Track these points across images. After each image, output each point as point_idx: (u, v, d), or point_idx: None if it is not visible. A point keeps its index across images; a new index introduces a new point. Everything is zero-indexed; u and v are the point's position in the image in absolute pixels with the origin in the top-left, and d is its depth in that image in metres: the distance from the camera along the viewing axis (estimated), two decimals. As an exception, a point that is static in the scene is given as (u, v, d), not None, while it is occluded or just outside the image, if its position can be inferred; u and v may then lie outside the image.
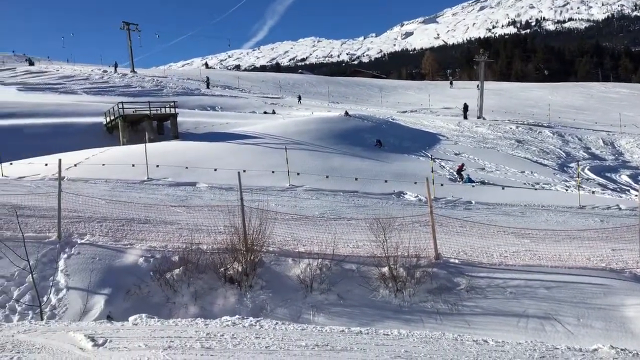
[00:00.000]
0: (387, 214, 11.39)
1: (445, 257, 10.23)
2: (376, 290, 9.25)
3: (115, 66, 64.90)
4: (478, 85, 48.31)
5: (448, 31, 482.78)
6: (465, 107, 45.93)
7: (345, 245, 10.68)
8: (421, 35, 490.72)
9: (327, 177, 19.87)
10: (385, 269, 9.48)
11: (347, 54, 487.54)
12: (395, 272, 9.38)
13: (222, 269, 9.41)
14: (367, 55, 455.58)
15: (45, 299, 8.31)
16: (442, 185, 20.19)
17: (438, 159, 27.25)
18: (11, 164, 20.43)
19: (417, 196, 18.52)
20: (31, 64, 71.00)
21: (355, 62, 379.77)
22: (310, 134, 28.72)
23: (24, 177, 18.70)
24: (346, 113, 36.73)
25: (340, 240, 10.63)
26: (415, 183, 19.23)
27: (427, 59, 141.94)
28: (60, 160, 11.66)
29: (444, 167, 25.75)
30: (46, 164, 19.14)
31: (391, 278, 9.34)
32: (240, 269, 9.41)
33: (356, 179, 19.79)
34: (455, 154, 29.26)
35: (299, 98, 56.77)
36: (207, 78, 62.54)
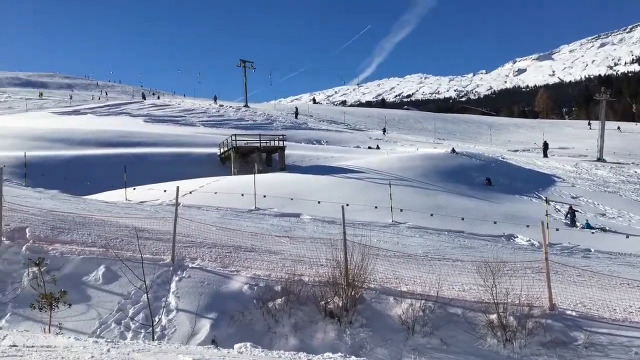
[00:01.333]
0: (496, 257, 10.82)
1: (561, 308, 9.44)
2: (483, 338, 8.71)
3: (215, 99, 71.15)
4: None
5: (564, 68, 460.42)
6: (546, 146, 44.42)
7: (450, 288, 10.23)
8: (535, 72, 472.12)
9: (431, 215, 19.39)
10: (494, 316, 8.92)
11: (455, 91, 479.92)
12: (505, 320, 8.80)
13: (322, 303, 9.37)
14: (475, 92, 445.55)
15: (157, 319, 8.74)
16: (557, 230, 18.88)
17: (553, 201, 25.63)
18: (134, 189, 22.17)
19: (529, 240, 17.45)
20: (148, 98, 78.26)
21: (463, 99, 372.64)
22: (415, 171, 28.33)
23: (145, 201, 20.16)
24: (453, 150, 35.93)
25: (445, 282, 10.21)
26: (528, 226, 18.16)
27: (541, 97, 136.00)
28: (177, 187, 12.42)
29: (559, 210, 24.15)
30: (165, 190, 20.52)
31: (500, 327, 8.76)
32: (340, 304, 9.31)
33: (462, 219, 19.10)
34: (572, 197, 27.38)
35: (384, 130, 57.29)
36: (296, 108, 65.44)
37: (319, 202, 19.94)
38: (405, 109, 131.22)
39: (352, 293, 9.45)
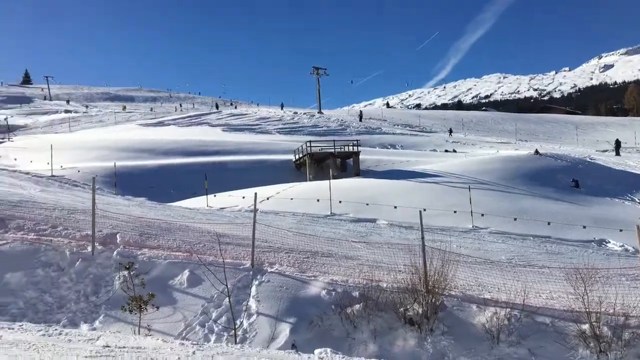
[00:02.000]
0: (587, 263, 10.15)
1: (663, 319, 8.71)
2: (574, 349, 8.20)
3: (282, 106, 73.58)
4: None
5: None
6: (618, 144, 41.49)
7: (537, 296, 9.73)
8: (623, 68, 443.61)
9: (514, 219, 18.59)
10: (586, 326, 8.38)
11: (536, 90, 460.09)
12: (598, 330, 8.24)
13: (401, 309, 9.20)
14: (558, 90, 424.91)
15: (238, 322, 8.93)
16: (654, 234, 17.51)
17: (648, 204, 23.84)
18: (215, 196, 22.91)
19: (623, 245, 16.30)
20: (221, 107, 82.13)
21: (545, 98, 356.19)
22: (495, 174, 27.32)
23: (225, 208, 20.77)
24: (536, 152, 34.36)
25: (531, 289, 9.72)
26: (621, 230, 16.96)
27: (632, 93, 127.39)
28: (255, 194, 12.68)
29: (655, 213, 22.39)
30: (243, 197, 21.05)
31: (593, 337, 8.21)
32: (420, 311, 9.10)
33: (549, 223, 18.15)
34: (671, 199, 25.34)
35: (450, 131, 56.10)
36: (360, 112, 65.72)
37: (395, 207, 19.69)
38: (484, 110, 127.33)
39: (433, 300, 9.22)
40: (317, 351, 6.48)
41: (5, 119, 55.63)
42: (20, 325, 6.20)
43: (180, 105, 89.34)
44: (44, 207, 14.30)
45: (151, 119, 62.03)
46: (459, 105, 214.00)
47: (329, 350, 6.51)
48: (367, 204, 20.44)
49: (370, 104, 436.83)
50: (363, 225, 18.24)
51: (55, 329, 6.15)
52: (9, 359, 4.77)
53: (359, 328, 8.90)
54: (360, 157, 34.70)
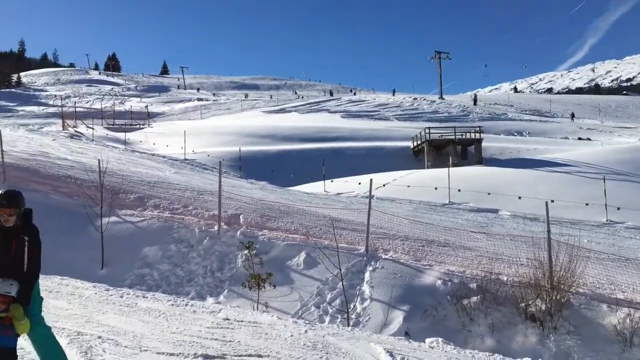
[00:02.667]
0: None
1: None
2: None
3: (394, 92, 72.68)
4: None
5: None
6: None
7: (682, 300, 8.72)
8: None
9: (657, 214, 16.77)
10: None
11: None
12: None
13: (522, 305, 8.73)
14: None
15: (351, 306, 9.05)
16: None
17: None
18: (332, 181, 23.31)
19: None
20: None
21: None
22: (636, 164, 24.77)
23: (341, 193, 21.06)
24: (686, 140, 30.63)
25: (675, 292, 8.74)
26: None
27: None
28: (371, 180, 12.69)
29: None
30: (359, 183, 21.18)
31: None
32: (543, 308, 8.57)
33: (700, 220, 16.15)
34: None
35: (572, 116, 51.58)
36: (475, 95, 62.91)
37: (519, 198, 18.65)
38: (624, 94, 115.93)
39: (557, 297, 8.64)
40: (428, 340, 6.38)
41: (146, 106, 61.05)
42: (153, 295, 6.81)
43: (295, 93, 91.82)
44: (177, 188, 15.51)
45: (273, 106, 64.45)
46: (596, 89, 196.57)
47: (440, 339, 6.38)
48: (489, 194, 19.59)
49: (496, 88, 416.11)
50: (483, 215, 17.54)
51: (183, 300, 6.67)
52: (142, 324, 5.26)
53: (476, 321, 8.61)
54: (483, 144, 33.29)
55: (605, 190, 17.71)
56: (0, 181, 13.76)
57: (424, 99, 65.51)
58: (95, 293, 6.60)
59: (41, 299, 4.02)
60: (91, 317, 5.47)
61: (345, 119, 51.65)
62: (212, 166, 26.80)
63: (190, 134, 34.47)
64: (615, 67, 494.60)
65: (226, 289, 9.86)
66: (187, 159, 28.64)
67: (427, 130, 33.23)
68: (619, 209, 17.13)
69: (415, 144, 35.13)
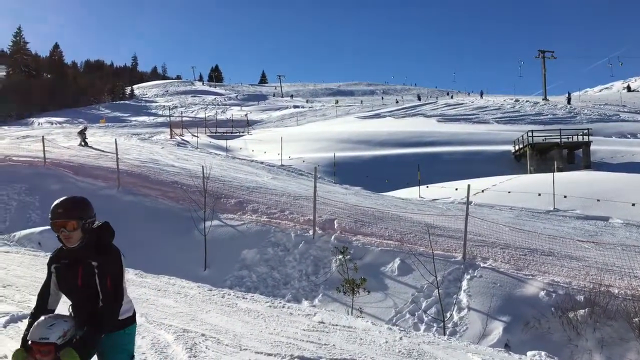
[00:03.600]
0: None
1: None
2: None
3: (481, 94, 69.97)
4: None
5: None
6: None
7: None
8: None
9: None
10: None
11: None
12: None
13: (636, 320, 8.07)
14: None
15: (448, 314, 8.84)
16: None
17: None
18: (427, 187, 22.89)
19: None
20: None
21: None
22: None
23: (437, 199, 20.61)
24: None
25: None
26: None
27: None
28: (469, 185, 12.32)
29: None
30: (456, 189, 20.61)
31: None
32: (661, 325, 7.86)
33: None
34: None
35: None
36: (568, 93, 58.97)
37: (632, 205, 17.21)
38: None
39: (678, 314, 7.89)
40: (529, 353, 6.07)
41: (246, 115, 63.59)
42: (252, 296, 7.08)
43: (380, 98, 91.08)
44: (274, 193, 16.01)
45: (368, 111, 64.51)
46: None
47: (543, 353, 6.05)
48: (598, 200, 18.26)
49: (606, 87, 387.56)
50: (592, 223, 16.38)
51: (280, 302, 6.87)
52: (242, 324, 5.49)
53: (583, 335, 8.07)
54: (592, 147, 31.18)
55: None
56: (115, 186, 14.97)
57: (527, 101, 62.49)
58: (199, 293, 6.99)
59: (130, 356, 2.90)
60: (196, 315, 5.80)
61: (442, 123, 50.54)
62: (307, 172, 27.35)
63: (287, 141, 35.43)
64: None
65: (321, 292, 10.02)
66: (283, 165, 29.46)
67: (529, 134, 31.70)
68: None
69: (516, 147, 33.63)
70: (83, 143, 25.80)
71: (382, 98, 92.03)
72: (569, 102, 57.37)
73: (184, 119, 53.83)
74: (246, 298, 6.88)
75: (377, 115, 59.53)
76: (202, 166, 14.21)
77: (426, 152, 34.18)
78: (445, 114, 56.32)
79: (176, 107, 79.88)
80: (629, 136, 41.07)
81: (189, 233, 12.09)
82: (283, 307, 6.46)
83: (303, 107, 78.03)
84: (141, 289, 7.04)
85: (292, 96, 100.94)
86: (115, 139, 25.73)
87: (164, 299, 6.55)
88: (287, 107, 78.29)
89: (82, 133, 27.10)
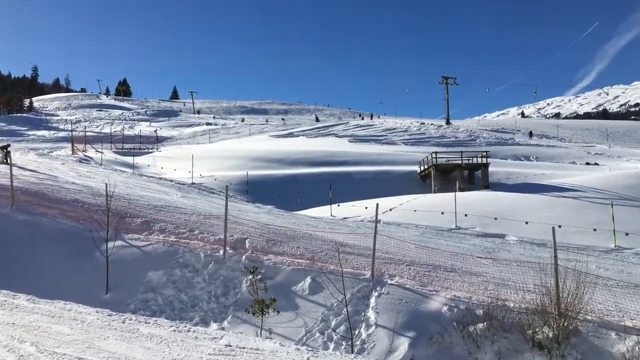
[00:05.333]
0: None
1: None
2: None
3: (371, 116, 74.60)
4: None
5: None
6: None
7: (693, 328, 8.57)
8: None
9: (666, 240, 16.58)
10: None
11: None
12: None
13: (529, 332, 8.62)
14: None
15: (356, 332, 8.96)
16: None
17: None
18: (338, 205, 23.30)
19: None
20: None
21: None
22: (645, 189, 24.60)
23: (348, 217, 21.02)
24: (696, 165, 30.42)
25: (685, 320, 8.60)
26: None
27: None
28: (377, 204, 12.66)
29: None
30: (366, 207, 21.14)
31: None
32: (551, 335, 8.45)
33: None
34: None
35: (530, 134, 52.35)
36: (447, 114, 64.98)
37: (526, 223, 18.54)
38: (633, 119, 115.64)
39: (565, 324, 8.52)
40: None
41: (155, 131, 61.59)
42: (155, 321, 6.78)
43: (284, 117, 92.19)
44: (184, 212, 15.56)
45: (282, 130, 64.83)
46: (603, 114, 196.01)
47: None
48: (496, 218, 19.49)
49: (503, 113, 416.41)
50: (490, 240, 17.42)
51: (185, 326, 6.63)
52: (143, 350, 5.24)
53: (482, 348, 8.49)
54: (490, 169, 33.26)
55: (613, 216, 17.57)
56: (8, 204, 13.88)
57: (432, 124, 65.74)
58: (98, 318, 6.59)
59: None
60: (92, 343, 5.45)
61: (353, 143, 51.85)
62: (219, 190, 26.90)
63: (198, 158, 34.70)
64: (624, 92, 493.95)
65: (230, 314, 9.80)
66: (194, 183, 28.78)
67: (434, 155, 33.28)
68: (627, 234, 16.96)
69: (422, 168, 35.15)
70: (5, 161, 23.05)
71: (317, 118, 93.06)
72: (447, 123, 62.69)
73: (87, 133, 51.12)
74: (149, 323, 6.58)
75: (291, 134, 59.98)
76: (106, 183, 13.53)
77: (338, 171, 34.83)
78: (356, 135, 57.88)
79: (79, 121, 75.76)
80: (522, 159, 44.31)
81: (89, 254, 11.41)
82: (188, 331, 6.24)
83: (216, 124, 76.92)
84: (32, 315, 6.53)
85: (199, 112, 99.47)
86: (10, 152, 23.95)
87: (58, 325, 6.11)
88: (199, 124, 76.82)
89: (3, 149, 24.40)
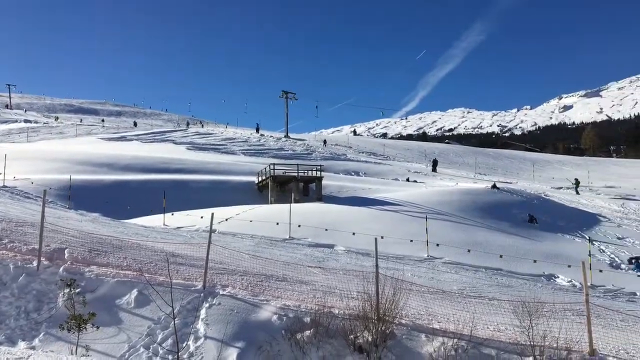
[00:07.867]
0: (535, 297, 10.37)
1: (602, 353, 8.94)
2: (518, 382, 8.31)
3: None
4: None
5: (613, 105, 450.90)
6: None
7: (485, 327, 9.85)
8: (582, 109, 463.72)
9: (468, 251, 18.90)
10: (530, 359, 8.52)
11: (498, 126, 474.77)
12: (542, 364, 8.38)
13: (352, 337, 9.16)
14: (519, 127, 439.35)
15: (184, 345, 8.72)
16: (600, 271, 18.08)
17: (597, 241, 24.62)
18: (172, 214, 22.53)
19: (571, 281, 16.76)
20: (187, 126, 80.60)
21: (507, 135, 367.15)
22: (453, 205, 27.82)
23: (182, 227, 20.43)
24: (494, 186, 35.18)
25: (480, 320, 9.86)
26: (569, 266, 17.46)
27: (588, 134, 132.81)
28: (212, 214, 12.53)
29: (603, 251, 23.15)
30: (201, 217, 20.77)
31: (536, 371, 8.34)
32: (370, 339, 9.08)
33: (501, 256, 18.53)
34: (618, 238, 26.25)
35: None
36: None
37: (353, 234, 19.77)
38: (447, 142, 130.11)
39: (383, 328, 9.21)
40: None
41: (-41, 125, 53.71)
42: (-53, 341, 5.90)
43: (134, 123, 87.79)
44: (-10, 218, 13.77)
45: (113, 133, 60.92)
46: (423, 137, 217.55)
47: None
48: (327, 230, 20.45)
49: (337, 130, 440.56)
50: (321, 250, 18.21)
51: (-16, 347, 5.88)
52: None
53: (308, 354, 8.81)
54: (324, 182, 34.83)
55: (427, 228, 19.54)
56: None
57: (271, 136, 66.99)
58: None
59: None
60: None
61: (191, 151, 50.65)
62: (36, 195, 24.33)
63: (13, 158, 31.05)
64: (440, 118, 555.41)
65: (43, 331, 8.89)
66: (6, 186, 25.65)
67: (271, 166, 33.91)
68: (438, 245, 18.97)
69: (260, 179, 35.58)
70: None
71: (135, 123, 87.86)
72: (257, 131, 68.61)
73: None
74: (-61, 345, 5.70)
75: (123, 138, 56.63)
76: None
77: (173, 179, 33.72)
78: (195, 142, 56.65)
79: None
80: (353, 174, 47.19)
81: None
82: (-11, 352, 5.53)
83: (37, 122, 69.54)
84: None
85: (26, 110, 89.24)
86: None
87: None
88: (16, 121, 68.78)
89: None
